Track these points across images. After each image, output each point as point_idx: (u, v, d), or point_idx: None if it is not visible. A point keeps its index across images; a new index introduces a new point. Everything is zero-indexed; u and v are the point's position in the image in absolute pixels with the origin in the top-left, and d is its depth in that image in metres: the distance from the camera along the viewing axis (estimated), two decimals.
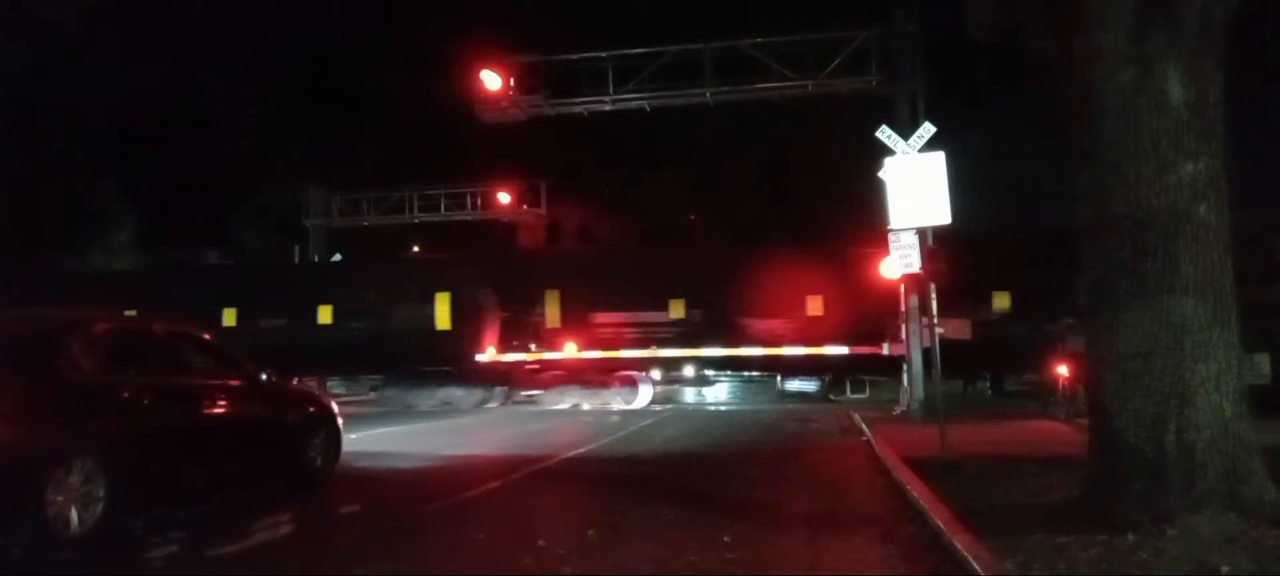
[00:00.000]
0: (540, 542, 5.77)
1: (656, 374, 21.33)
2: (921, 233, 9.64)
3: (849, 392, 21.75)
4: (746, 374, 22.14)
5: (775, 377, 21.96)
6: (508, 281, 21.32)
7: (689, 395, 22.37)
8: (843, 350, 19.00)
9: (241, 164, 30.02)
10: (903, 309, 15.85)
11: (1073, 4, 5.66)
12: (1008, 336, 18.02)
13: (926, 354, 14.23)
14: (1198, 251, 5.28)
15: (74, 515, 5.51)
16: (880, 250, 12.16)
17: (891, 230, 9.80)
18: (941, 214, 9.33)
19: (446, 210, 28.42)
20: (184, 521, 6.31)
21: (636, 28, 18.71)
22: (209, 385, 7.19)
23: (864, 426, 13.21)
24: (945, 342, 10.29)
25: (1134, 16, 5.40)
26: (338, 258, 28.58)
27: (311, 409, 8.43)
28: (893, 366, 18.15)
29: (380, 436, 13.20)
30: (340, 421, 8.72)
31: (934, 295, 9.92)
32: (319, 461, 8.21)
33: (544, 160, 28.38)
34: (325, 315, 21.05)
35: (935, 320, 10.10)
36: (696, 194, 33.10)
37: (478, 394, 20.82)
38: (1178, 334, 5.23)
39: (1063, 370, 14.32)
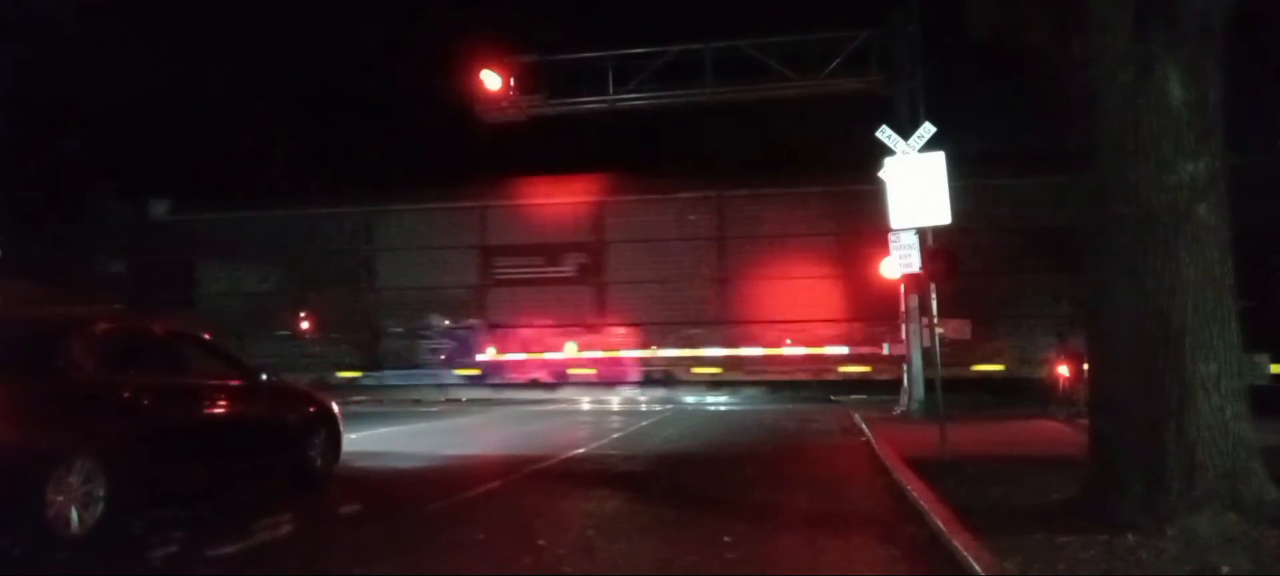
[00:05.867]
0: (540, 542, 5.77)
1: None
2: (921, 232, 9.66)
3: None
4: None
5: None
6: None
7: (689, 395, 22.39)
8: (843, 350, 19.01)
9: (242, 164, 29.99)
10: (902, 309, 15.85)
11: (1073, 4, 5.66)
12: None
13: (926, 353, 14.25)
14: (1198, 251, 5.29)
15: (74, 515, 5.51)
16: (880, 249, 12.17)
17: (892, 230, 9.81)
18: (941, 214, 9.34)
19: None
20: (184, 521, 6.30)
21: (636, 28, 18.66)
22: (209, 385, 7.18)
23: (864, 426, 13.21)
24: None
25: (1134, 16, 5.41)
26: None
27: (311, 409, 8.42)
28: None
29: (380, 436, 13.18)
30: (340, 421, 8.72)
31: (934, 295, 9.93)
32: (319, 461, 8.21)
33: (544, 160, 28.36)
34: None
35: (935, 320, 10.11)
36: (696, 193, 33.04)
37: None
38: (1178, 334, 5.23)
39: (1063, 370, 14.32)
